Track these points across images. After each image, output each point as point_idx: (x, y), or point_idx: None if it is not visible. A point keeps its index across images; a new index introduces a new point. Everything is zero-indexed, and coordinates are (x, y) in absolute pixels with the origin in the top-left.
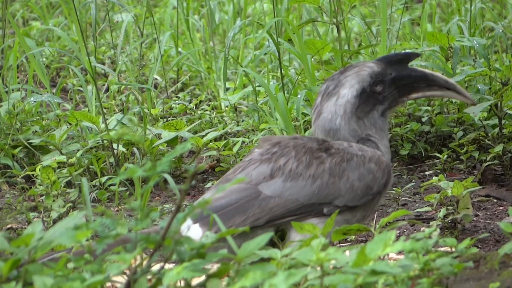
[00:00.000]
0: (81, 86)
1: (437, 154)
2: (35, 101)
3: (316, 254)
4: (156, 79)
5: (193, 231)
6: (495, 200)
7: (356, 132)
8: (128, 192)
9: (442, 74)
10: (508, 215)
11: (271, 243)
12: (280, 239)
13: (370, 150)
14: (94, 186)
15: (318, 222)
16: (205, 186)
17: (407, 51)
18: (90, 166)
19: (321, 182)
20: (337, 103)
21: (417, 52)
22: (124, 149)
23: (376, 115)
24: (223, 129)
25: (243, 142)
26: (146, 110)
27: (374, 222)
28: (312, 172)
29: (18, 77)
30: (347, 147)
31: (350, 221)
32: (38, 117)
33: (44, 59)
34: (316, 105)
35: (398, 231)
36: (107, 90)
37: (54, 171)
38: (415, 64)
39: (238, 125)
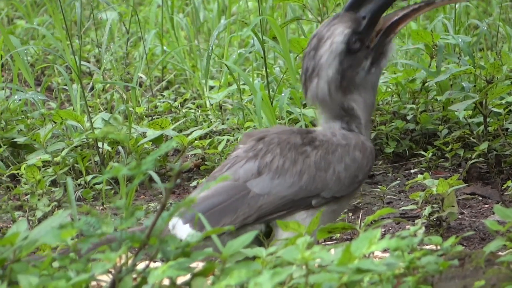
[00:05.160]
0: (66, 85)
1: (422, 152)
2: (19, 99)
3: (301, 253)
4: (141, 77)
5: (184, 231)
6: (480, 198)
7: (342, 103)
8: (113, 191)
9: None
10: (493, 213)
11: (258, 241)
12: (265, 236)
13: (354, 137)
14: (79, 185)
15: (307, 216)
16: (190, 185)
17: None
18: (75, 165)
19: (308, 177)
20: (319, 85)
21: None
22: (109, 148)
23: (362, 75)
24: (208, 127)
25: (228, 140)
26: (131, 109)
27: (359, 220)
28: (299, 168)
29: (2, 76)
30: (331, 137)
31: (337, 211)
32: (23, 116)
33: (29, 57)
34: (302, 83)
35: (383, 229)
36: (92, 88)
37: (39, 170)
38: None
39: (223, 124)
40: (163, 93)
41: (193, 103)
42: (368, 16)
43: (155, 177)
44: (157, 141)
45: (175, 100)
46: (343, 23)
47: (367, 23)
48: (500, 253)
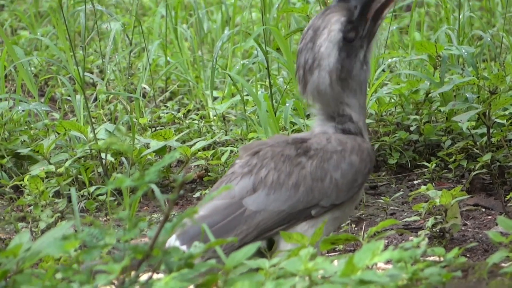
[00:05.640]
0: (69, 96)
1: (426, 163)
2: (23, 110)
3: (304, 264)
4: (145, 88)
5: None
6: (484, 209)
7: (340, 96)
8: (116, 202)
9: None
10: (497, 225)
11: (260, 253)
12: (268, 249)
13: (350, 140)
14: (82, 196)
15: (308, 227)
16: (194, 196)
17: None
18: (79, 176)
19: (304, 189)
20: (320, 76)
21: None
22: (112, 159)
23: (358, 66)
24: (212, 138)
25: (231, 151)
26: (134, 120)
27: (362, 232)
28: (294, 180)
29: (6, 87)
30: (325, 144)
31: (340, 217)
32: (26, 127)
33: (32, 68)
34: (300, 78)
35: (386, 241)
36: (96, 99)
37: (43, 181)
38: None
39: (226, 135)
40: (166, 104)
41: (197, 114)
42: (359, 4)
43: (156, 189)
44: (161, 152)
45: (178, 111)
46: (337, 12)
47: (360, 12)
48: (503, 264)
